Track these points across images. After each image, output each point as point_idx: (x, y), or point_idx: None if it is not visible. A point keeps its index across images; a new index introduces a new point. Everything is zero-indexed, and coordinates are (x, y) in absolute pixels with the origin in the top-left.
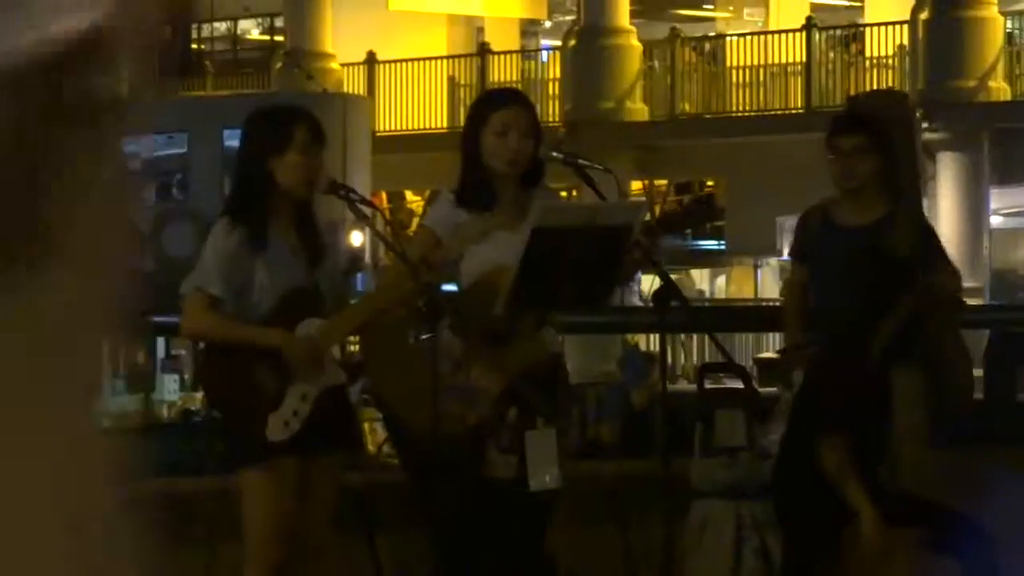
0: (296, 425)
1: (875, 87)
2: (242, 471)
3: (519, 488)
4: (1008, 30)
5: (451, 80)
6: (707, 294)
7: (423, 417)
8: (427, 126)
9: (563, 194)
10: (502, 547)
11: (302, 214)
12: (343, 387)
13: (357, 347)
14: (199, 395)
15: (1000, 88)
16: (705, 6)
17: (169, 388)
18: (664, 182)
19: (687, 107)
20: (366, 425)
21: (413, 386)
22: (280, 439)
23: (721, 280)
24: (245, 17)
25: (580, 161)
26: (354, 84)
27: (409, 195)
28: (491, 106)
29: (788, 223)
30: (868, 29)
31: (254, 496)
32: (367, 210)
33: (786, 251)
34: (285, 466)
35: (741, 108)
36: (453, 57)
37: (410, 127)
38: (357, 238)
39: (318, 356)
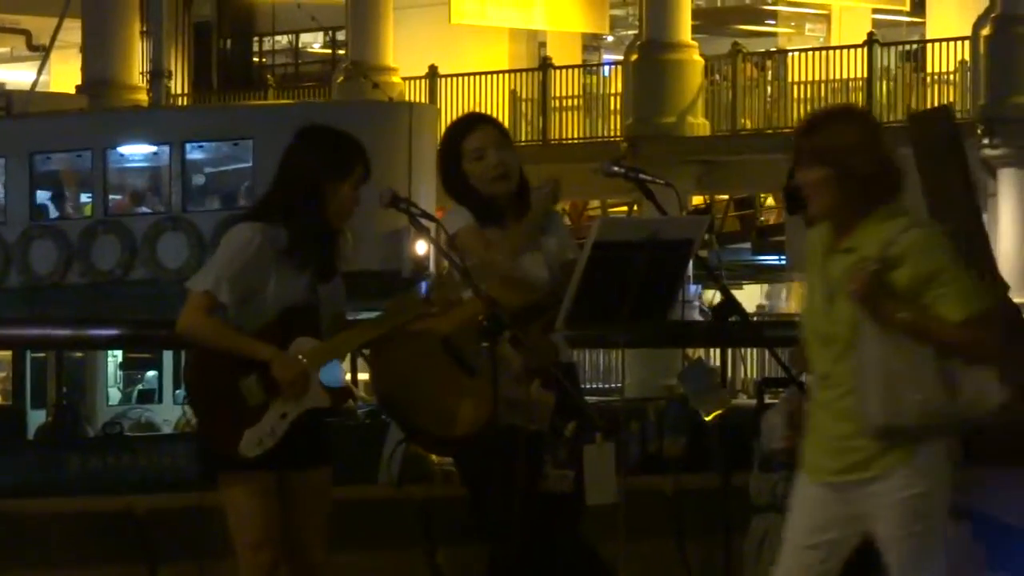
0: (270, 443)
1: (936, 103)
2: (220, 484)
3: (575, 501)
4: None
5: (513, 94)
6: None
7: (440, 422)
8: None
9: (623, 208)
10: (557, 558)
11: (328, 239)
12: (325, 410)
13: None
14: None
15: None
16: (767, 21)
17: None
18: (725, 197)
19: (748, 122)
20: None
21: (422, 392)
22: (251, 455)
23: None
24: (307, 30)
25: (641, 175)
26: (415, 98)
27: None
28: (459, 136)
29: None
30: (930, 45)
31: (235, 505)
32: (428, 223)
33: None
34: (260, 477)
35: None
36: (515, 71)
37: None
38: (421, 247)
39: (305, 378)
